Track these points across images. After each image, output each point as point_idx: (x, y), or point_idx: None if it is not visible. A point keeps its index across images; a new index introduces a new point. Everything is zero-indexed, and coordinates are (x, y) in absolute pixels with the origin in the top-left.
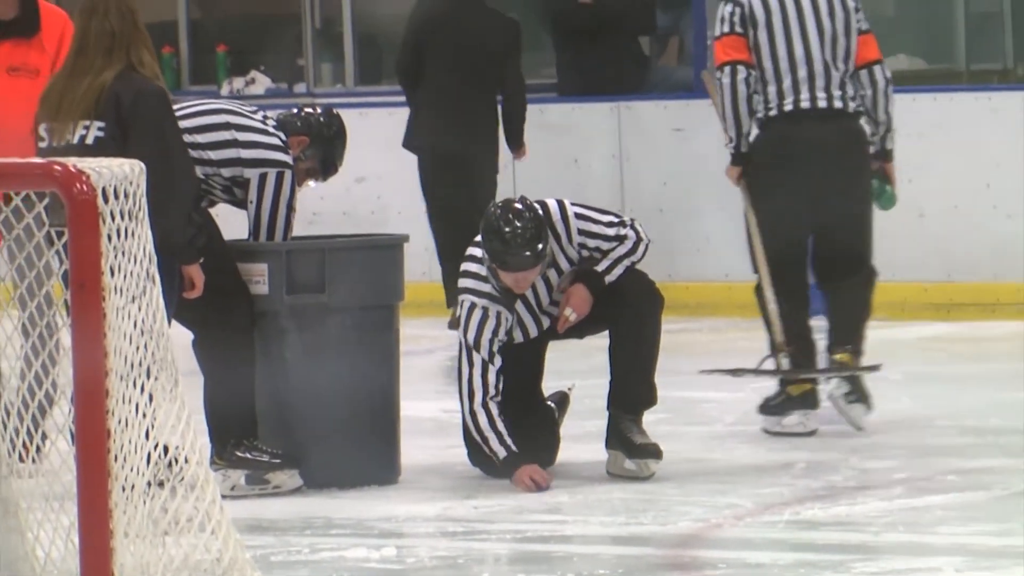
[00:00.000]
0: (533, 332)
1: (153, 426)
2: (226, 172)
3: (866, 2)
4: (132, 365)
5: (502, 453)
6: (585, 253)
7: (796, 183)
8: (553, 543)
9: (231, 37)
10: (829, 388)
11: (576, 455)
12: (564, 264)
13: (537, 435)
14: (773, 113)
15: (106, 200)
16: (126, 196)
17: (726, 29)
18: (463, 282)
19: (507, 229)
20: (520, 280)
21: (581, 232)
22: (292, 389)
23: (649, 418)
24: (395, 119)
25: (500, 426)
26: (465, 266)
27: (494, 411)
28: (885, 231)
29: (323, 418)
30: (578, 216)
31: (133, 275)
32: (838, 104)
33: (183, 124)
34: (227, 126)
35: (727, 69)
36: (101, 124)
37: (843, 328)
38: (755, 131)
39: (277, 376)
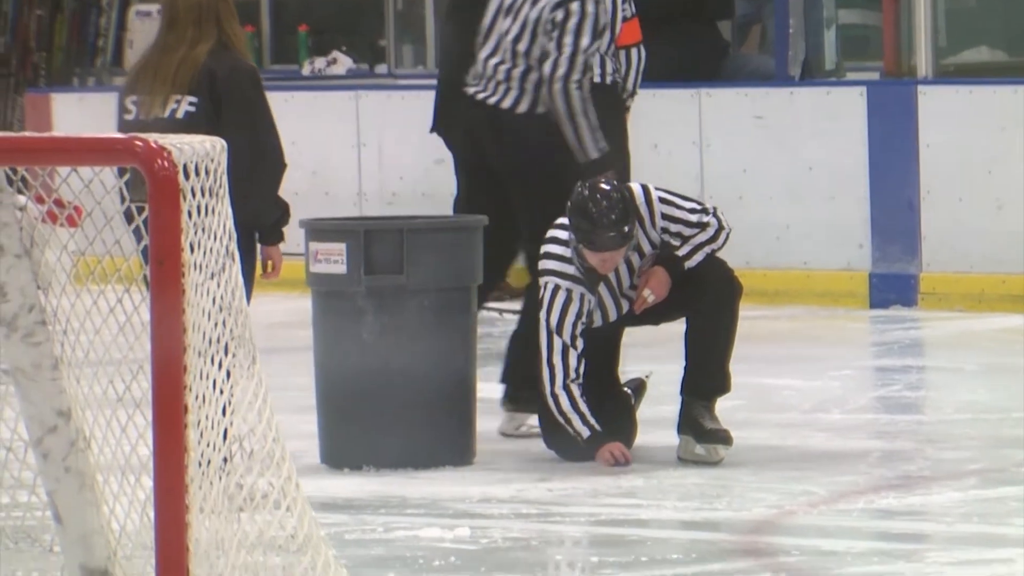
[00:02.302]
0: (613, 315)
1: (230, 402)
2: None
3: None
4: (210, 341)
5: (586, 433)
6: (667, 238)
7: None
8: (627, 527)
9: (313, 17)
10: None
11: (652, 440)
12: (647, 247)
13: (614, 420)
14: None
15: (187, 176)
16: (207, 173)
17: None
18: (545, 263)
19: (595, 209)
20: (606, 260)
21: (664, 216)
22: (369, 369)
23: (725, 404)
24: None
25: (583, 407)
26: (548, 248)
27: (576, 392)
28: (964, 223)
29: (400, 398)
30: (662, 200)
31: (212, 252)
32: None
33: None
34: None
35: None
36: (193, 99)
37: None
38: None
39: (354, 356)
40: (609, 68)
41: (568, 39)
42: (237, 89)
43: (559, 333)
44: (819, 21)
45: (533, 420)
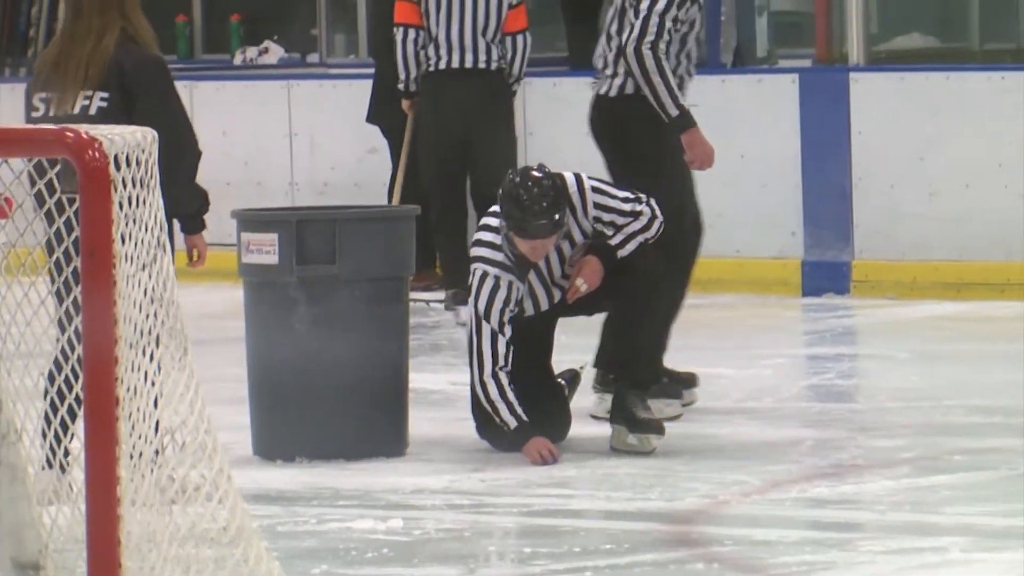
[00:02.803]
0: (544, 304)
1: (162, 394)
2: None
3: None
4: (142, 333)
5: (513, 423)
6: (600, 227)
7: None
8: (560, 517)
9: (245, 6)
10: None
11: (585, 430)
12: (578, 237)
13: (547, 411)
14: (432, 69)
15: (118, 167)
16: (138, 163)
17: None
18: (476, 250)
19: (525, 196)
20: (536, 248)
21: (597, 206)
22: (301, 360)
23: None
24: None
25: (510, 396)
26: (479, 235)
27: (504, 381)
28: (897, 210)
29: (332, 389)
30: (594, 190)
31: (144, 243)
32: (481, 64)
33: None
34: None
35: (400, 29)
36: (104, 94)
37: None
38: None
39: (286, 347)
40: (495, 55)
41: (643, 5)
42: (148, 81)
43: (487, 319)
44: (751, 8)
45: None
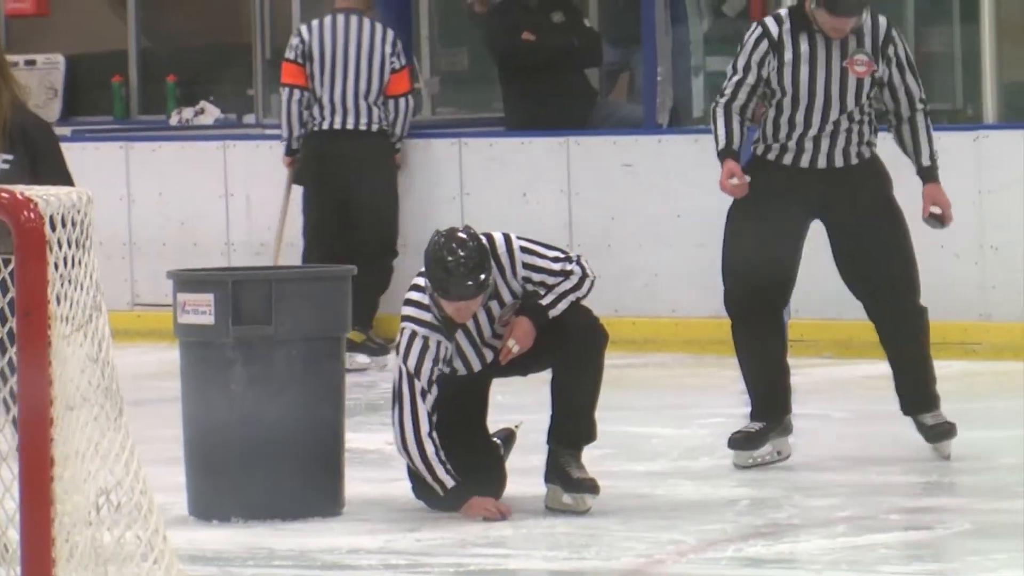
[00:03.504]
0: (476, 365)
1: (97, 454)
2: None
3: None
4: (77, 393)
5: (450, 483)
6: (530, 287)
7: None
8: None
9: (181, 67)
10: None
11: (520, 489)
12: (507, 297)
13: (483, 471)
14: (316, 129)
15: (53, 228)
16: (73, 224)
17: (289, 56)
18: (405, 309)
19: (450, 258)
20: (461, 309)
21: (526, 266)
22: (237, 420)
23: (594, 453)
24: None
25: (443, 455)
26: (408, 294)
27: (437, 441)
28: (832, 269)
29: (268, 449)
30: (523, 249)
31: (79, 303)
32: (363, 126)
33: None
34: None
35: (285, 90)
36: (8, 156)
37: None
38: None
39: (222, 407)
40: (375, 116)
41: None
42: (48, 143)
43: (418, 377)
44: (687, 69)
45: None
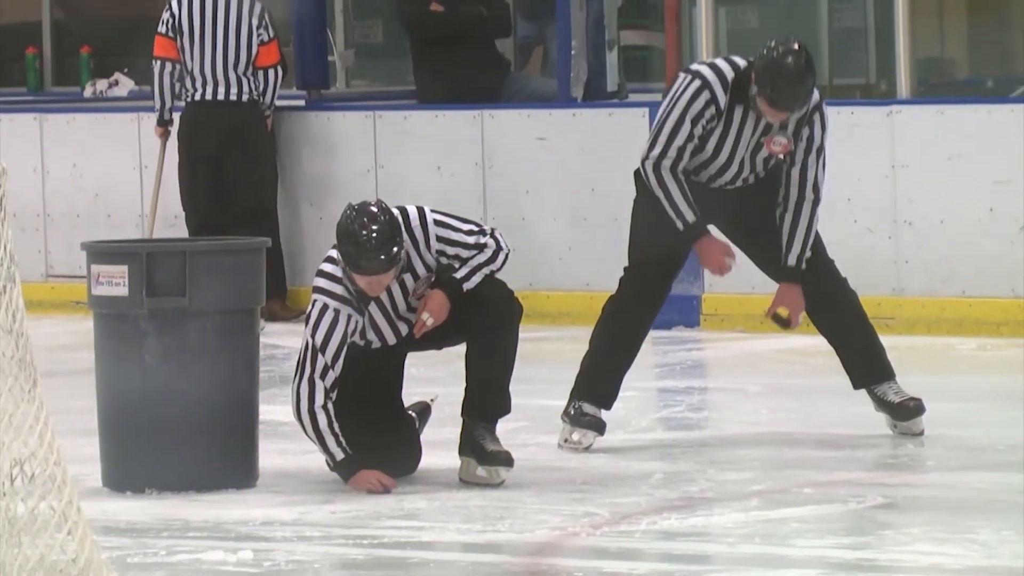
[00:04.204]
0: (390, 338)
1: (11, 426)
2: None
3: (730, 14)
4: None
5: (339, 455)
6: (444, 260)
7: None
8: (410, 549)
9: (95, 39)
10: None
11: (435, 462)
12: (421, 270)
13: (397, 443)
14: (189, 100)
15: None
16: None
17: (161, 30)
18: (318, 281)
19: (361, 232)
20: (373, 283)
21: (440, 239)
22: (151, 392)
23: (508, 426)
24: None
25: (336, 428)
26: (322, 266)
27: (332, 412)
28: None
29: (182, 421)
30: (437, 223)
31: None
32: (232, 96)
33: None
34: None
35: (157, 62)
36: None
37: None
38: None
39: (136, 379)
40: (246, 87)
41: (658, 113)
42: None
43: (322, 352)
44: (601, 43)
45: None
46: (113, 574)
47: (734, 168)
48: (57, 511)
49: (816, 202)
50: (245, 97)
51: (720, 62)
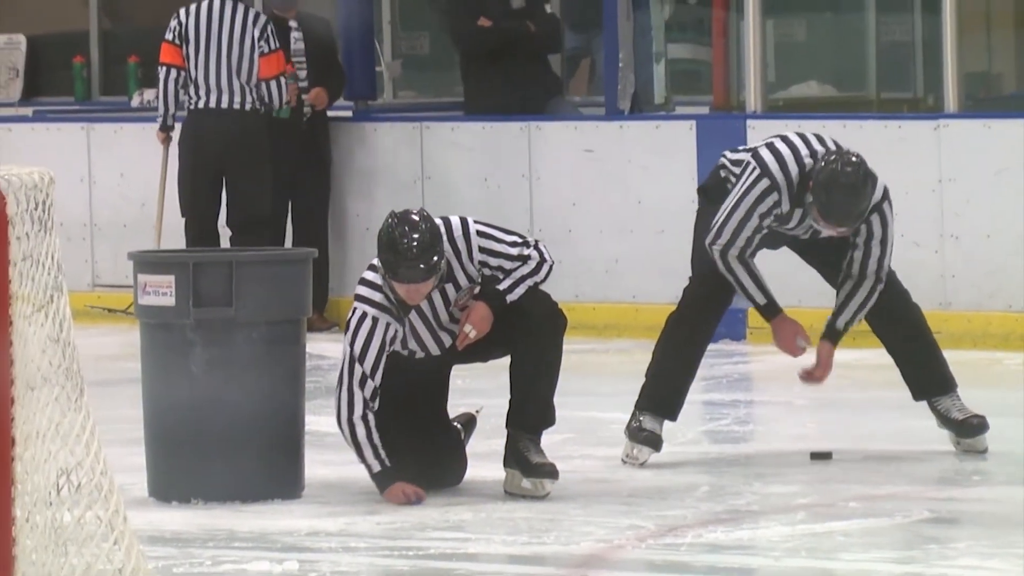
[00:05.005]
0: (433, 349)
1: (58, 435)
2: None
3: (778, 27)
4: (38, 374)
5: (377, 467)
6: (487, 272)
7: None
8: (455, 560)
9: (143, 48)
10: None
11: (480, 473)
12: (463, 280)
13: (443, 455)
14: (192, 107)
15: (16, 207)
16: (36, 204)
17: (168, 37)
18: (359, 289)
19: (402, 240)
20: (412, 292)
21: (482, 250)
22: (197, 402)
23: (555, 438)
24: None
25: (375, 439)
26: (364, 274)
27: (372, 423)
28: (794, 257)
29: (228, 432)
30: (480, 233)
31: (41, 283)
32: (236, 105)
33: None
34: None
35: (163, 69)
36: None
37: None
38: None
39: (182, 389)
40: (248, 97)
41: (725, 203)
42: None
43: (360, 362)
44: (648, 55)
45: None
46: None
47: (798, 234)
48: (103, 521)
49: (878, 282)
50: (248, 107)
51: (788, 157)
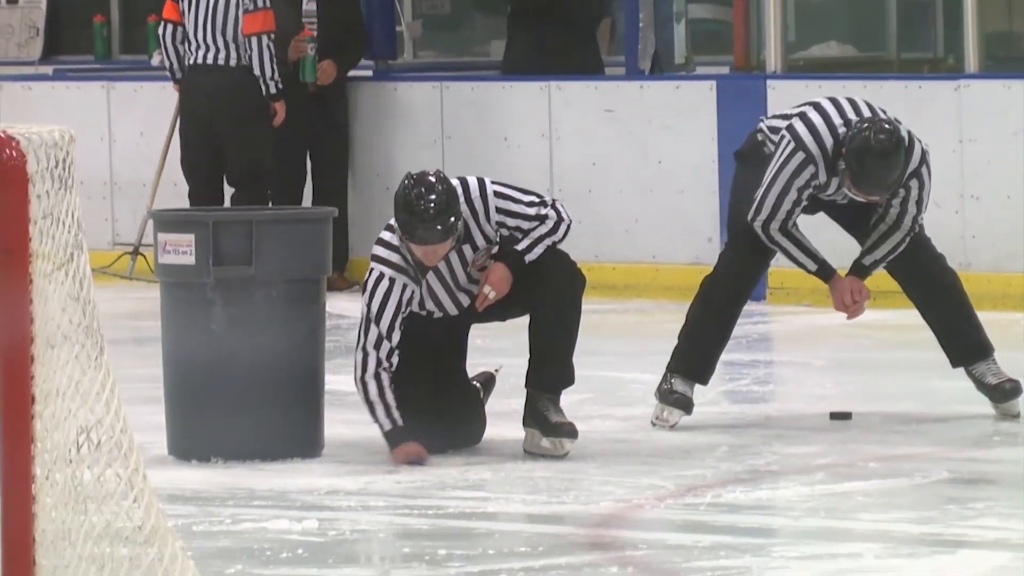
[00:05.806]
0: (451, 309)
1: (78, 393)
2: None
3: None
4: (58, 332)
5: (387, 425)
6: (505, 232)
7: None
8: (474, 519)
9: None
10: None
11: (500, 433)
12: (480, 241)
13: (462, 414)
14: (190, 64)
15: (36, 165)
16: (56, 162)
17: None
18: (376, 249)
19: (419, 202)
20: (429, 253)
21: (499, 210)
22: (217, 361)
23: (574, 398)
24: None
25: (389, 398)
26: (381, 234)
27: (385, 382)
28: (811, 217)
29: (247, 390)
30: (497, 194)
31: (61, 241)
32: (221, 61)
33: None
34: None
35: (162, 24)
36: None
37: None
38: None
39: (202, 347)
40: (234, 53)
41: (766, 177)
42: None
43: (376, 322)
44: (669, 15)
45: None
46: (178, 542)
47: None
48: (123, 479)
49: (910, 232)
50: (233, 62)
51: (821, 127)
